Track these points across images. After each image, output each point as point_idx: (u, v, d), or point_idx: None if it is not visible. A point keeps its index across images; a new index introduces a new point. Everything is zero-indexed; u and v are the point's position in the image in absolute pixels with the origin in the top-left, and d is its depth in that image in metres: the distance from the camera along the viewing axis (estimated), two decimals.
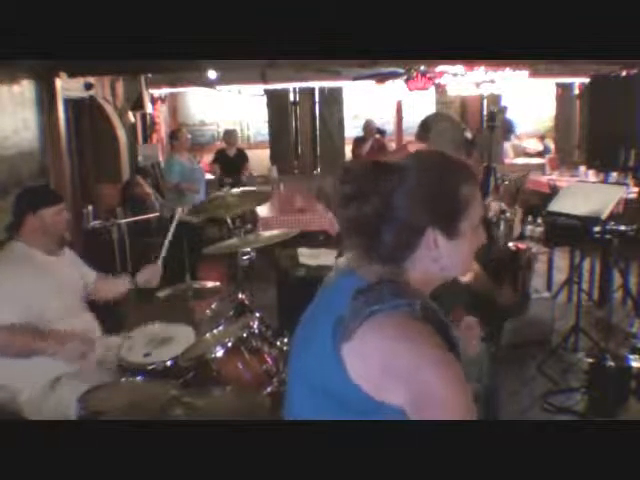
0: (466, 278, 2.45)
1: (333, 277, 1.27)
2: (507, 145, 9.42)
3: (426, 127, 3.32)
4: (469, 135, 2.57)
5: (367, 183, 1.12)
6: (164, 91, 9.10)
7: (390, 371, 1.04)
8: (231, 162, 7.75)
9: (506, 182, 4.33)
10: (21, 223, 2.66)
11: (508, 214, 4.47)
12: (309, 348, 1.17)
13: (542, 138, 9.98)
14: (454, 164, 1.19)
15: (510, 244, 4.61)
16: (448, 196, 1.13)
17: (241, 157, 7.90)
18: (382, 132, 8.16)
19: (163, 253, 3.21)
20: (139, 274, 3.08)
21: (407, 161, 1.17)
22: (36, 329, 2.56)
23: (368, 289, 1.10)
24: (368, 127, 8.07)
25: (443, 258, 1.14)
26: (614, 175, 5.83)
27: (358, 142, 8.20)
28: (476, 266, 2.45)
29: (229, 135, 8.02)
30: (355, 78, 7.86)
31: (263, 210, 5.98)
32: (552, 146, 10.10)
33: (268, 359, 2.60)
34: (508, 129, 9.57)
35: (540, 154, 9.64)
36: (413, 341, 1.05)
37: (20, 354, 2.52)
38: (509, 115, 9.59)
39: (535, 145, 9.74)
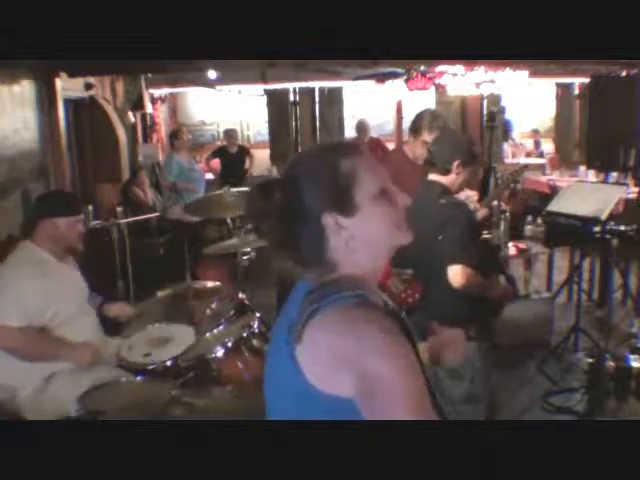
0: (457, 281, 2.44)
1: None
2: (505, 145, 9.44)
3: (418, 127, 3.37)
4: (477, 150, 2.64)
5: (256, 205, 1.15)
6: (164, 91, 9.09)
7: (337, 360, 1.03)
8: (232, 159, 7.76)
9: (501, 179, 4.33)
10: (34, 225, 2.66)
11: (507, 213, 4.47)
12: (272, 356, 1.20)
13: (536, 132, 10.04)
14: (326, 149, 1.19)
15: (510, 244, 4.63)
16: (325, 177, 1.12)
17: (243, 154, 7.91)
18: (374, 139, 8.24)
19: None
20: (111, 306, 3.04)
21: (285, 168, 1.19)
22: (51, 336, 2.62)
23: (313, 290, 1.11)
24: (362, 127, 8.06)
25: (357, 236, 1.12)
26: (614, 175, 5.83)
27: None
28: (466, 268, 2.45)
29: (229, 134, 8.05)
30: (355, 78, 7.84)
31: None
32: (544, 144, 10.15)
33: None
34: (506, 129, 9.61)
35: (536, 144, 9.70)
36: (356, 327, 1.04)
37: (36, 359, 2.57)
38: (507, 115, 9.66)
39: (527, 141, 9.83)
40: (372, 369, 1.01)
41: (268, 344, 1.31)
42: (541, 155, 9.57)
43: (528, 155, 9.83)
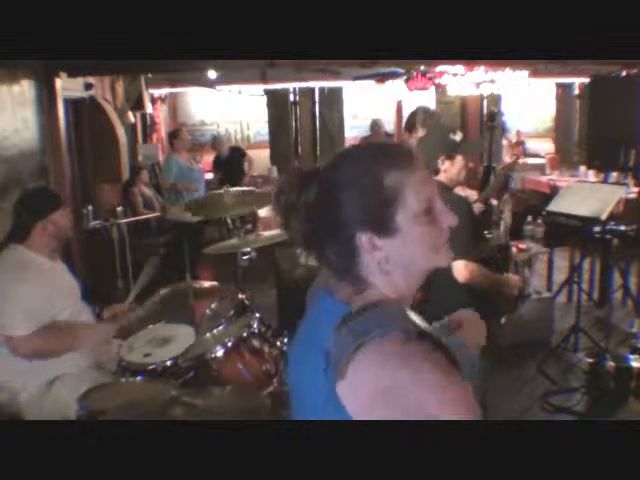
0: (461, 275, 2.45)
1: (314, 288, 1.19)
2: (503, 144, 9.48)
3: (412, 124, 3.37)
4: (457, 137, 2.58)
5: (291, 195, 1.06)
6: (164, 91, 9.10)
7: (390, 403, 0.95)
8: (226, 163, 7.78)
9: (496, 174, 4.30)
10: (29, 229, 2.64)
11: (507, 212, 4.46)
12: (300, 377, 1.12)
13: (519, 133, 10.13)
14: (373, 155, 1.05)
15: (511, 244, 4.62)
16: (367, 193, 1.01)
17: (236, 155, 7.90)
18: (389, 135, 8.28)
19: (131, 297, 3.02)
20: (107, 309, 3.02)
21: (327, 164, 1.07)
22: (64, 328, 2.62)
23: (351, 318, 0.99)
24: (375, 126, 8.08)
25: (392, 258, 1.03)
26: (614, 175, 5.83)
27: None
28: (470, 264, 2.46)
29: (214, 142, 8.05)
30: (355, 78, 7.85)
31: (263, 210, 5.98)
32: (544, 144, 10.19)
33: (268, 359, 2.61)
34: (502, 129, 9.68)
35: (519, 144, 9.76)
36: (408, 366, 0.94)
37: (58, 354, 2.58)
38: (505, 116, 9.73)
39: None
40: (429, 412, 0.95)
41: (288, 358, 1.21)
42: (526, 155, 9.63)
43: (526, 155, 9.85)
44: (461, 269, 2.44)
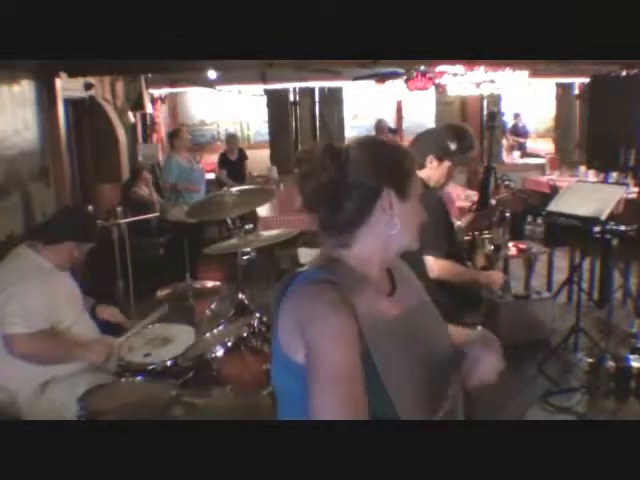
0: (432, 271, 2.48)
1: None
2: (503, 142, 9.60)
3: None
4: (452, 146, 2.62)
5: (322, 159, 1.24)
6: (164, 91, 9.10)
7: (294, 329, 1.16)
8: (233, 166, 7.80)
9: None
10: (59, 242, 2.68)
11: (508, 214, 4.44)
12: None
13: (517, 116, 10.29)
14: (394, 143, 1.39)
15: (510, 244, 4.60)
16: (395, 162, 1.29)
17: (242, 158, 8.00)
18: (393, 131, 8.27)
19: (131, 333, 2.82)
20: (103, 310, 3.03)
21: (355, 141, 1.33)
22: (62, 338, 2.62)
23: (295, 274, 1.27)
24: (379, 126, 8.08)
25: (396, 220, 1.26)
26: (614, 175, 5.84)
27: None
28: (441, 261, 2.48)
29: (230, 140, 8.07)
30: (355, 78, 7.85)
31: (263, 210, 5.98)
32: (544, 144, 10.28)
33: (268, 359, 2.60)
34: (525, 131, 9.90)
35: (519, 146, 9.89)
36: (309, 301, 1.17)
37: (52, 362, 2.58)
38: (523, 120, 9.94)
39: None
40: (311, 337, 1.13)
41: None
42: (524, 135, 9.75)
43: (524, 155, 9.92)
44: (431, 264, 2.48)
